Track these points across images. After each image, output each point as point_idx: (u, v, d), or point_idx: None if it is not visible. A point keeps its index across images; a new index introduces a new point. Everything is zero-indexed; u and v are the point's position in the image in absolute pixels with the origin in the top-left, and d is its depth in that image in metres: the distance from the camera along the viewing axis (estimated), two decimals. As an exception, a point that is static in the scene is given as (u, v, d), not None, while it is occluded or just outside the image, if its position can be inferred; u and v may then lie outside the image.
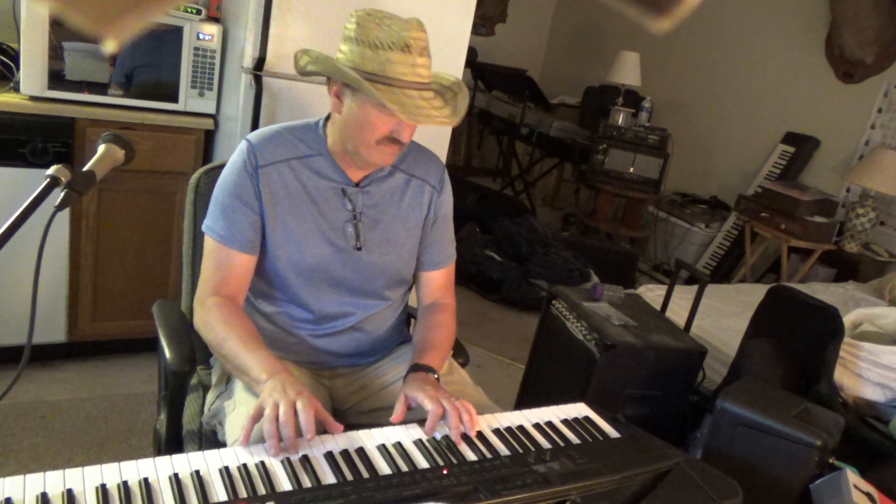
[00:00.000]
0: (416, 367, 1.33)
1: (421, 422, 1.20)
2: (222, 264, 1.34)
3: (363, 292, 1.45)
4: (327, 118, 1.41)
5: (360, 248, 1.41)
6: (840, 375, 2.11)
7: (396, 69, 1.23)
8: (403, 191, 1.46)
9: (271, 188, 1.35)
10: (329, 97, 1.35)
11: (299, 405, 1.09)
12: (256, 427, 1.19)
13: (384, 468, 1.06)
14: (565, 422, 1.29)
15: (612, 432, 1.28)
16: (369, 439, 1.13)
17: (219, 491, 0.96)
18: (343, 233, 1.40)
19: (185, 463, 1.00)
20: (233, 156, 1.39)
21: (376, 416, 1.43)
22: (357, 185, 1.41)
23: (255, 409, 1.11)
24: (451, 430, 1.16)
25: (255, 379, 1.20)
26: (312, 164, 1.39)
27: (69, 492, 0.90)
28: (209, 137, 2.48)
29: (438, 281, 1.55)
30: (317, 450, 1.07)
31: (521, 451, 1.17)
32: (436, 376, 1.32)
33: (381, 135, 1.29)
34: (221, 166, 1.59)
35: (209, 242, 1.37)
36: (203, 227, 1.38)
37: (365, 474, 1.03)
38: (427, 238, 1.51)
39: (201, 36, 2.34)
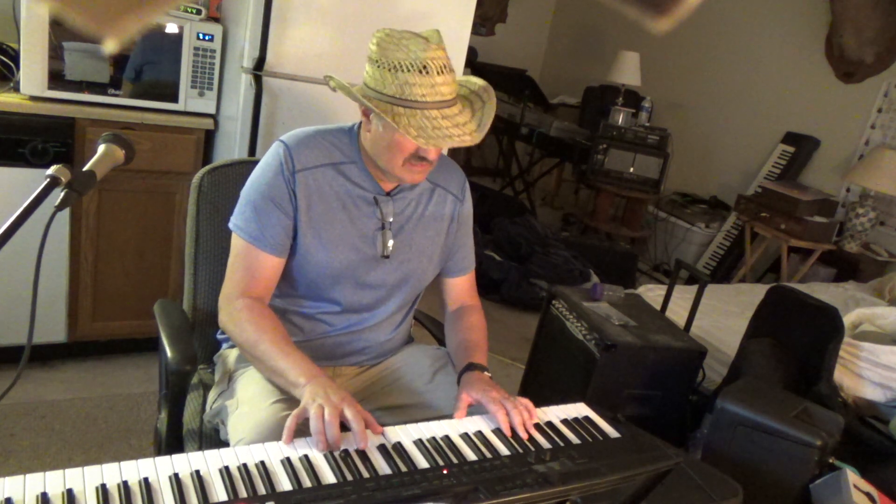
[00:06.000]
0: (470, 367, 1.38)
1: (421, 420, 1.21)
2: (252, 265, 1.35)
3: (381, 297, 1.46)
4: (360, 125, 1.42)
5: (387, 257, 1.42)
6: (840, 375, 2.11)
7: (416, 91, 1.23)
8: (428, 199, 1.48)
9: (307, 193, 1.36)
10: (347, 106, 1.38)
11: (349, 414, 1.11)
12: (260, 426, 1.19)
13: (384, 468, 1.06)
14: (565, 422, 1.29)
15: (612, 432, 1.28)
16: (370, 439, 1.13)
17: (219, 491, 0.95)
18: (372, 241, 1.41)
19: (185, 463, 0.99)
20: (266, 156, 1.39)
21: (377, 417, 1.43)
22: (388, 193, 1.43)
23: (299, 410, 1.12)
24: (518, 426, 1.22)
25: (292, 383, 1.21)
26: (346, 172, 1.40)
27: (69, 492, 0.90)
28: (209, 137, 2.48)
29: (463, 285, 1.60)
30: (317, 450, 1.07)
31: (521, 450, 1.17)
32: (489, 374, 1.38)
33: (407, 154, 1.30)
34: (224, 166, 1.60)
35: (238, 241, 1.37)
36: (231, 225, 1.38)
37: (365, 474, 1.03)
38: (452, 246, 1.54)
39: (201, 36, 2.34)
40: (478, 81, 1.39)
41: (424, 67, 1.22)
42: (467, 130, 1.27)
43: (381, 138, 1.32)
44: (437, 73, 1.23)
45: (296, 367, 1.22)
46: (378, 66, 1.25)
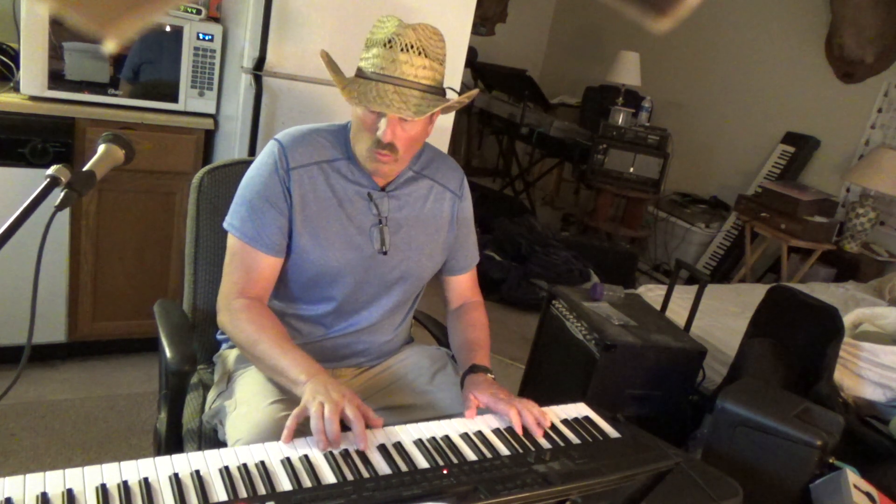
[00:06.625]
0: (474, 368, 1.39)
1: (422, 420, 1.21)
2: (249, 266, 1.34)
3: (380, 295, 1.45)
4: None
5: (385, 253, 1.42)
6: (840, 375, 2.11)
7: (376, 62, 1.27)
8: (426, 196, 1.48)
9: (301, 191, 1.35)
10: (347, 106, 1.40)
11: (350, 413, 1.11)
12: (258, 426, 1.19)
13: (384, 468, 1.06)
14: (565, 422, 1.29)
15: (612, 432, 1.28)
16: (369, 439, 1.13)
17: (219, 491, 0.95)
18: (369, 237, 1.41)
19: (185, 463, 0.99)
20: (261, 155, 1.39)
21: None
22: (383, 189, 1.42)
23: (300, 409, 1.12)
24: (531, 425, 1.22)
25: (293, 381, 1.21)
26: (341, 168, 1.40)
27: (69, 492, 0.90)
28: (209, 137, 2.48)
29: (465, 283, 1.60)
30: (317, 450, 1.07)
31: (521, 450, 1.17)
32: (492, 376, 1.38)
33: (367, 133, 1.31)
34: (224, 166, 1.60)
35: (234, 242, 1.36)
36: (226, 225, 1.37)
37: (365, 474, 1.03)
38: (454, 244, 1.54)
39: (201, 36, 2.34)
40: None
41: (389, 41, 1.26)
42: (413, 109, 1.26)
43: (354, 120, 1.35)
44: (401, 49, 1.26)
45: (296, 365, 1.22)
46: (364, 47, 1.32)
